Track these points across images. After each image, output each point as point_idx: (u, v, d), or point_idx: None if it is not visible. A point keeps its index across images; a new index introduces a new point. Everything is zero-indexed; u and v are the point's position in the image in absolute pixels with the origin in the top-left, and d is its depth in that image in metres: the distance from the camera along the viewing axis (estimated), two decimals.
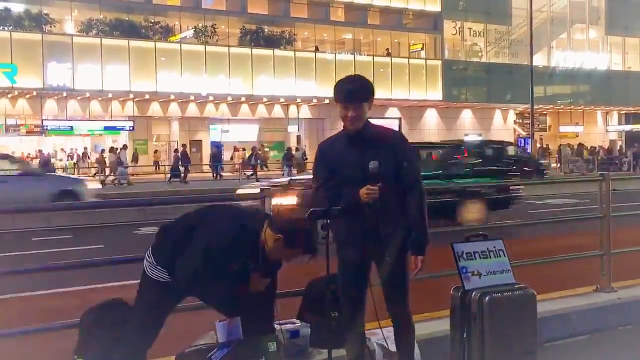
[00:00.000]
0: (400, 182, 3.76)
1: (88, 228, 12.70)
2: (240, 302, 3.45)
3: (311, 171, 4.17)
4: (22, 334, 4.24)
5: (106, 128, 37.32)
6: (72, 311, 4.33)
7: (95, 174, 30.74)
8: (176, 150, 32.47)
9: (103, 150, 32.54)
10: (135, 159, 36.09)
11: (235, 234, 3.39)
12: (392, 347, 4.13)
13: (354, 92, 3.79)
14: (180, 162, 30.73)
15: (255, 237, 3.41)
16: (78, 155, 36.65)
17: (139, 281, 3.58)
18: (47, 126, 35.45)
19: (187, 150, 33.18)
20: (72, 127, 36.08)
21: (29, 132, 36.20)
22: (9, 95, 34.38)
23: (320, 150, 3.93)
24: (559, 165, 38.36)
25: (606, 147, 46.82)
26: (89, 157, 36.15)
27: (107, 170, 30.26)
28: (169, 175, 29.34)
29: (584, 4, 51.10)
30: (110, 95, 35.78)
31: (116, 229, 12.89)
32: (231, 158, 36.64)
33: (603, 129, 54.64)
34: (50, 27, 34.96)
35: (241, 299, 3.44)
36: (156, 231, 3.64)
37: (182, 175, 29.94)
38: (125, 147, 31.53)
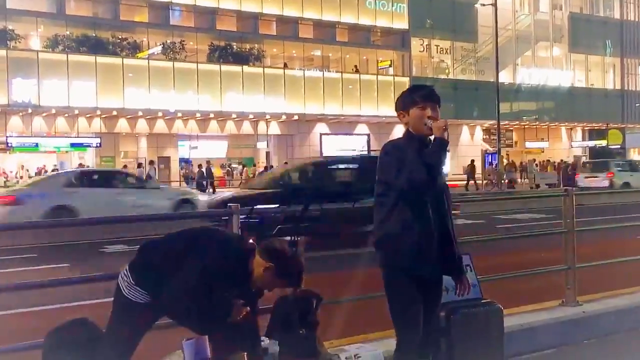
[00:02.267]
0: None
1: (53, 246, 12.50)
2: (223, 326, 3.41)
3: None
4: None
5: (73, 145, 36.85)
6: (36, 332, 4.25)
7: None
8: (200, 166, 32.68)
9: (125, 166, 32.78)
10: None
11: (229, 259, 3.34)
12: None
13: (433, 91, 3.69)
14: (204, 177, 31.50)
15: (244, 263, 3.36)
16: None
17: (109, 299, 3.49)
18: (11, 143, 34.88)
19: (211, 167, 33.71)
20: (37, 144, 35.56)
21: None
22: None
23: (397, 148, 3.63)
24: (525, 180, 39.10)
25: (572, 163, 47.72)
26: None
27: None
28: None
29: (548, 23, 52.16)
30: (76, 112, 35.40)
31: (82, 247, 12.69)
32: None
33: (567, 145, 55.61)
34: (16, 42, 34.54)
35: (223, 323, 3.40)
36: (128, 249, 3.56)
37: (207, 189, 30.42)
38: (152, 162, 31.81)
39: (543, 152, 52.71)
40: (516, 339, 5.13)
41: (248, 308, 3.48)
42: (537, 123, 52.45)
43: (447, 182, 3.79)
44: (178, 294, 3.24)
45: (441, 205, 3.58)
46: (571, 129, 55.69)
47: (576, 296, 6.07)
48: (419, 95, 3.67)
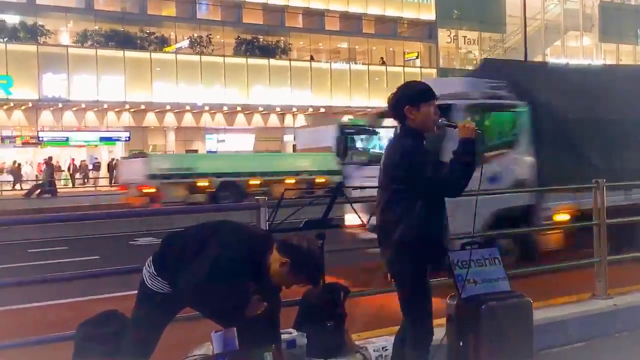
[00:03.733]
0: None
1: (84, 239, 12.69)
2: (240, 317, 3.41)
3: None
4: (18, 346, 4.22)
5: (102, 139, 37.30)
6: (68, 323, 4.32)
7: None
8: None
9: None
10: None
11: (244, 252, 3.32)
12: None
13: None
14: None
15: (261, 257, 3.34)
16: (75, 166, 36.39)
17: (136, 291, 3.54)
18: (42, 137, 35.41)
19: None
20: (67, 138, 36.05)
21: (25, 144, 36.14)
22: (5, 107, 34.34)
23: (423, 150, 3.68)
24: None
25: None
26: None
27: None
28: None
29: (578, 12, 51.37)
30: (105, 106, 35.80)
31: (112, 240, 12.86)
32: None
33: None
34: (46, 38, 35.02)
35: (240, 315, 3.40)
36: (157, 241, 3.59)
37: None
38: None
39: None
40: (546, 332, 5.09)
41: (266, 304, 3.43)
42: None
43: None
44: (191, 282, 3.25)
45: None
46: None
47: (607, 289, 5.99)
48: (427, 91, 3.66)
